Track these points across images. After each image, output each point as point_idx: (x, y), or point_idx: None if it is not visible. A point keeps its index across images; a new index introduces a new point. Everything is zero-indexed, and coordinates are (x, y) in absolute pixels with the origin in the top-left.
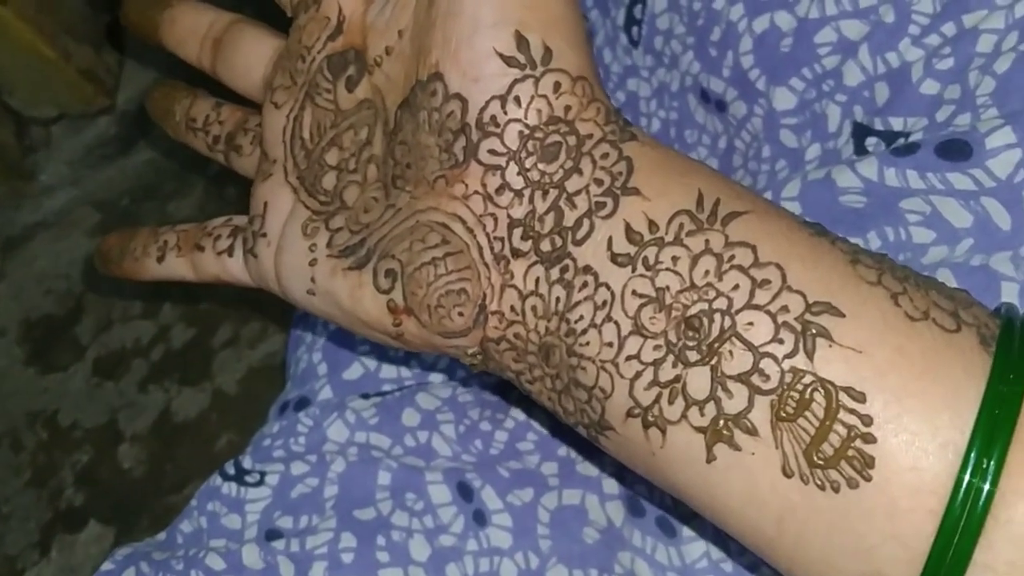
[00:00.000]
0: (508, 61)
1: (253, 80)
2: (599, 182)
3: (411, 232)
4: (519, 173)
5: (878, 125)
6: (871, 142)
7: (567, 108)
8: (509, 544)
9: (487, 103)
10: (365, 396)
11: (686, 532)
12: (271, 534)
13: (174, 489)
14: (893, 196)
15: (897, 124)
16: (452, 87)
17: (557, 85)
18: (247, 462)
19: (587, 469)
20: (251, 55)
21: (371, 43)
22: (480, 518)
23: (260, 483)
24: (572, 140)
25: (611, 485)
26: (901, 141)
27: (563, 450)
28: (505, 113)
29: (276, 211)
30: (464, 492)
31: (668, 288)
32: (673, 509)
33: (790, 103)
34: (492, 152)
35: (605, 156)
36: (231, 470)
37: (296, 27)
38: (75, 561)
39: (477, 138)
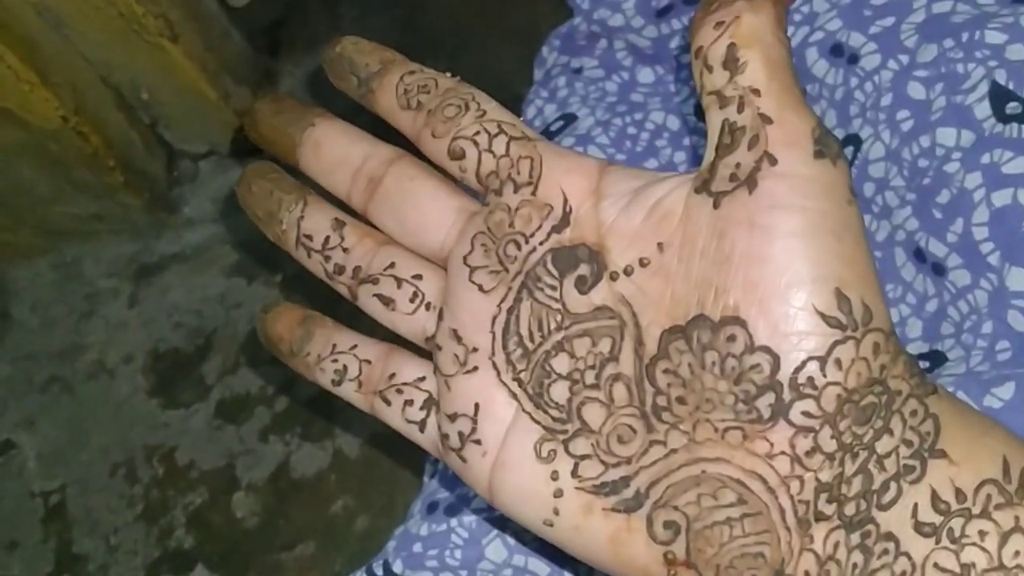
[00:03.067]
0: (829, 321)
1: (425, 240)
2: (908, 443)
3: (697, 483)
4: (832, 436)
5: None
6: None
7: (882, 368)
8: None
9: (804, 363)
10: None
11: None
12: None
13: (285, 547)
14: None
15: None
16: (759, 339)
17: (876, 347)
18: (397, 566)
19: None
20: (429, 214)
21: (614, 246)
22: None
23: None
24: (884, 399)
25: None
26: None
27: None
28: (824, 376)
29: (492, 418)
30: None
31: (974, 565)
32: None
33: None
34: (806, 414)
35: (914, 414)
36: (379, 571)
37: (501, 205)
38: None
39: (790, 398)
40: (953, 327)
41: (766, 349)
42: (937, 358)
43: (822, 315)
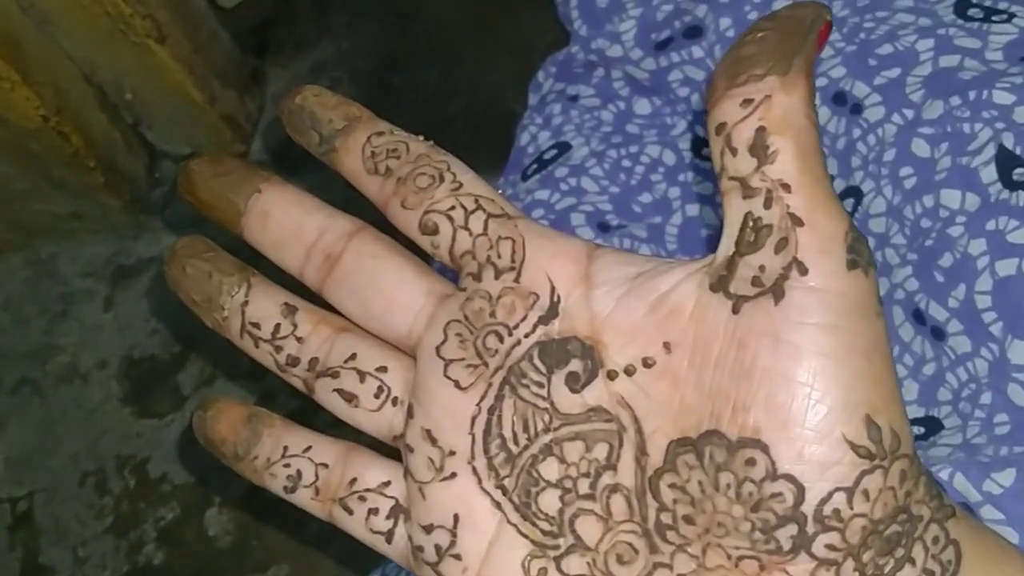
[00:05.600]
0: (858, 451)
1: (390, 326)
2: (930, 573)
3: None
4: (855, 569)
5: None
6: None
7: (907, 494)
8: None
9: (830, 495)
10: None
11: None
12: None
13: (258, 568)
14: None
15: None
16: (782, 466)
17: (903, 474)
18: None
19: None
20: (395, 297)
21: (611, 342)
22: None
23: None
24: (908, 526)
25: None
26: None
27: None
28: (851, 508)
29: (474, 529)
30: None
31: None
32: None
33: None
34: (830, 547)
35: (936, 541)
36: None
37: (480, 292)
38: None
39: (814, 531)
40: (951, 394)
41: (789, 478)
42: (933, 424)
43: (851, 443)
